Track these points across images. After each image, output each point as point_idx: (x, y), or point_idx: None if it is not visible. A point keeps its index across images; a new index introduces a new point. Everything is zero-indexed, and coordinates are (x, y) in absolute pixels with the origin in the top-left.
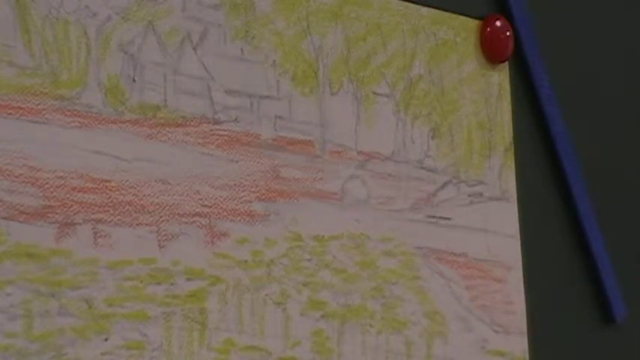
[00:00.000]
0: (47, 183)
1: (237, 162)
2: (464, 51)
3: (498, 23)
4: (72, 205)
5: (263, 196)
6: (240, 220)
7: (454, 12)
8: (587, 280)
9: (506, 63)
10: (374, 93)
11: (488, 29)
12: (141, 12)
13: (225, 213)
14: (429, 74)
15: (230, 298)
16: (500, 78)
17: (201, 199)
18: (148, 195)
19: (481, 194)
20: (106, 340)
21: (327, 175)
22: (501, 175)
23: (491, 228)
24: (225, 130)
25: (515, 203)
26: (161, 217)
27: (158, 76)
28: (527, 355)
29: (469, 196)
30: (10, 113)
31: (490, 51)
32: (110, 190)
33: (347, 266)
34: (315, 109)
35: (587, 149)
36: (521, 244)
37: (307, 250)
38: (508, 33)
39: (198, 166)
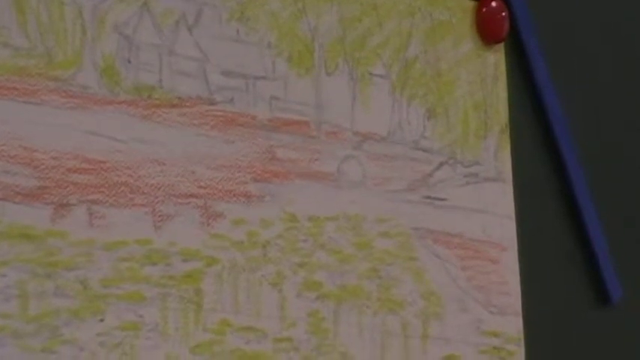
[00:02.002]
0: (42, 164)
1: (232, 143)
2: (460, 31)
3: (494, 4)
4: (67, 186)
5: (259, 177)
6: (235, 201)
7: None
8: (582, 260)
9: (502, 44)
10: (370, 74)
11: (484, 9)
12: None
13: (221, 194)
14: (424, 55)
15: (226, 279)
16: (496, 59)
17: (196, 180)
18: (144, 176)
19: (477, 175)
20: (102, 320)
21: (322, 155)
22: (497, 155)
23: (487, 208)
24: (220, 111)
25: (511, 184)
26: (157, 198)
27: (153, 56)
28: (522, 336)
29: (465, 176)
30: (5, 94)
31: (486, 31)
32: (105, 170)
33: (343, 247)
34: (310, 89)
35: (583, 130)
36: (517, 225)
37: (303, 231)
38: (504, 13)
39: (194, 147)
